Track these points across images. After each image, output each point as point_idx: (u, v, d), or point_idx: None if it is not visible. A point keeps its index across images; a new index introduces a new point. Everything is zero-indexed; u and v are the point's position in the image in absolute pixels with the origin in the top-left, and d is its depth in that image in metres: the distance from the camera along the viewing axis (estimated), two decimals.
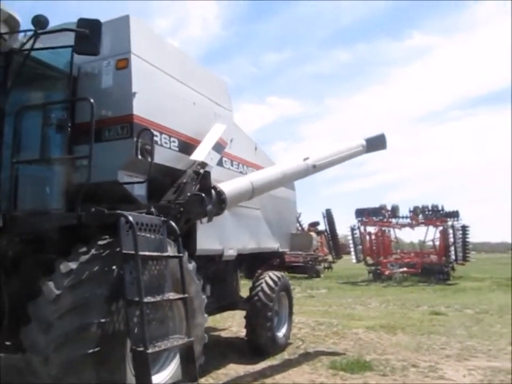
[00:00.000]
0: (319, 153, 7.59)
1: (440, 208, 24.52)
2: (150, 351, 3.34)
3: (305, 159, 7.12)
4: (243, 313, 7.43)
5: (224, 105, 6.54)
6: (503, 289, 18.05)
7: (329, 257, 29.64)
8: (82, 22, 3.62)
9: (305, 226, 26.74)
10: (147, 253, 3.70)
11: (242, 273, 8.43)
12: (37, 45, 3.92)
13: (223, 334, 9.16)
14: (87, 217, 3.79)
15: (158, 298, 3.65)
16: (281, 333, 7.54)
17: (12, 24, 3.94)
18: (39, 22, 3.57)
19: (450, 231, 23.56)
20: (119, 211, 3.69)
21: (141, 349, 3.33)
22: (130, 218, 3.60)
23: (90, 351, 3.35)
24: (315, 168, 7.24)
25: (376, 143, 8.84)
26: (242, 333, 7.87)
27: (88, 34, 3.59)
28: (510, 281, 20.46)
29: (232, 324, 10.03)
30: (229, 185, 5.38)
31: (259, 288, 7.13)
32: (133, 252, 3.52)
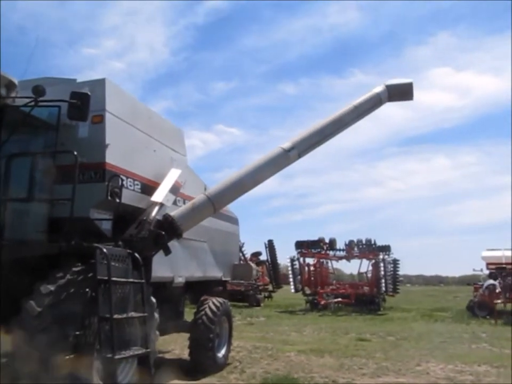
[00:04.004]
0: (306, 138, 6.77)
1: (373, 242, 26.34)
2: (117, 357, 4.22)
3: (288, 150, 6.50)
4: (185, 337, 8.25)
5: (179, 151, 7.56)
6: (425, 319, 19.73)
7: (270, 287, 30.72)
8: (75, 95, 4.58)
9: (248, 256, 27.75)
10: (116, 279, 4.58)
11: (188, 298, 9.27)
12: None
13: (167, 356, 9.88)
14: (68, 248, 4.64)
15: (124, 315, 4.54)
16: (221, 354, 8.40)
17: (11, 87, 4.80)
18: (39, 91, 4.48)
19: (382, 264, 25.32)
20: (95, 244, 4.58)
21: (110, 355, 4.20)
22: (105, 250, 4.50)
23: (67, 357, 4.17)
24: (300, 156, 6.70)
25: (400, 91, 7.60)
26: (184, 355, 8.68)
27: (79, 104, 4.54)
28: (431, 312, 22.37)
29: (175, 347, 10.75)
30: (183, 210, 6.27)
31: (203, 312, 8.00)
32: (106, 278, 4.40)
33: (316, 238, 27.28)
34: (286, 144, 6.55)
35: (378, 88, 7.44)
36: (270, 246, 28.92)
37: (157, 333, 5.62)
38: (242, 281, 22.95)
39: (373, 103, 7.38)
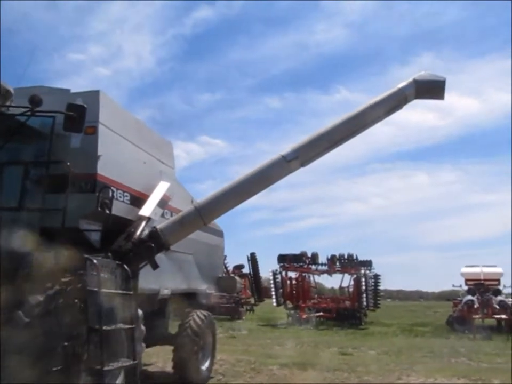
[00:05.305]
0: (311, 145, 5.97)
1: (354, 257, 26.59)
2: (105, 368, 4.23)
3: (289, 160, 5.85)
4: (167, 350, 8.21)
5: (168, 163, 7.64)
6: (405, 334, 19.93)
7: (252, 300, 30.64)
8: (71, 106, 4.64)
9: (230, 268, 27.71)
10: (106, 290, 4.60)
11: (172, 311, 9.24)
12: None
13: (150, 368, 9.82)
14: (59, 258, 4.65)
15: (113, 327, 4.56)
16: (204, 367, 8.38)
17: (7, 96, 4.84)
18: (36, 101, 4.53)
19: (363, 279, 25.53)
20: (86, 255, 4.60)
21: (99, 367, 4.21)
22: (95, 261, 4.53)
23: (55, 369, 4.17)
24: (303, 165, 6.05)
25: (431, 88, 6.55)
26: (167, 368, 8.66)
27: (75, 117, 4.59)
28: (412, 327, 22.60)
29: (158, 360, 10.67)
30: (170, 223, 6.25)
31: (187, 324, 7.99)
32: (96, 289, 4.43)
33: (298, 252, 27.43)
34: (288, 151, 5.88)
35: (404, 83, 6.37)
36: (253, 259, 28.91)
37: (143, 345, 5.64)
38: (224, 294, 23.03)
39: (396, 102, 6.32)
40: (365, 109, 6.21)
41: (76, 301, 4.51)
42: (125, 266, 5.15)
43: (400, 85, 6.45)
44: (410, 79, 6.44)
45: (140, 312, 5.65)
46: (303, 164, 6.00)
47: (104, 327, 4.38)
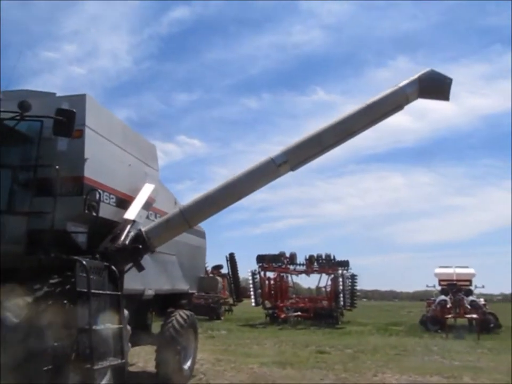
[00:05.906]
0: (302, 149, 5.70)
1: (332, 257, 26.97)
2: (95, 367, 4.34)
3: (279, 164, 5.66)
4: (147, 350, 8.29)
5: (152, 165, 7.74)
6: (381, 333, 20.37)
7: (230, 300, 30.75)
8: (61, 111, 4.72)
9: (209, 269, 27.76)
10: (95, 291, 4.71)
11: (154, 311, 9.34)
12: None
13: (131, 368, 9.86)
14: (47, 260, 4.73)
15: (102, 327, 4.67)
16: (186, 366, 8.51)
17: None
18: (25, 106, 4.61)
19: (341, 279, 25.91)
20: (75, 257, 4.70)
21: (88, 366, 4.32)
22: (85, 263, 4.63)
23: (45, 368, 4.25)
24: (293, 170, 5.85)
25: (436, 87, 5.99)
26: (149, 368, 8.75)
27: (65, 121, 4.68)
28: (387, 326, 23.10)
29: (138, 360, 10.74)
30: (156, 226, 6.37)
31: (170, 324, 8.09)
32: (85, 290, 4.53)
33: (276, 252, 27.66)
34: (277, 154, 5.67)
35: (406, 82, 5.88)
36: (231, 259, 28.95)
37: (129, 344, 5.75)
38: (203, 294, 23.08)
39: (396, 102, 5.85)
40: (361, 109, 5.84)
41: (65, 302, 4.60)
42: (113, 267, 5.25)
43: (402, 84, 5.97)
44: (414, 77, 5.94)
45: (126, 312, 5.76)
46: (293, 168, 5.82)
47: (94, 327, 4.49)
